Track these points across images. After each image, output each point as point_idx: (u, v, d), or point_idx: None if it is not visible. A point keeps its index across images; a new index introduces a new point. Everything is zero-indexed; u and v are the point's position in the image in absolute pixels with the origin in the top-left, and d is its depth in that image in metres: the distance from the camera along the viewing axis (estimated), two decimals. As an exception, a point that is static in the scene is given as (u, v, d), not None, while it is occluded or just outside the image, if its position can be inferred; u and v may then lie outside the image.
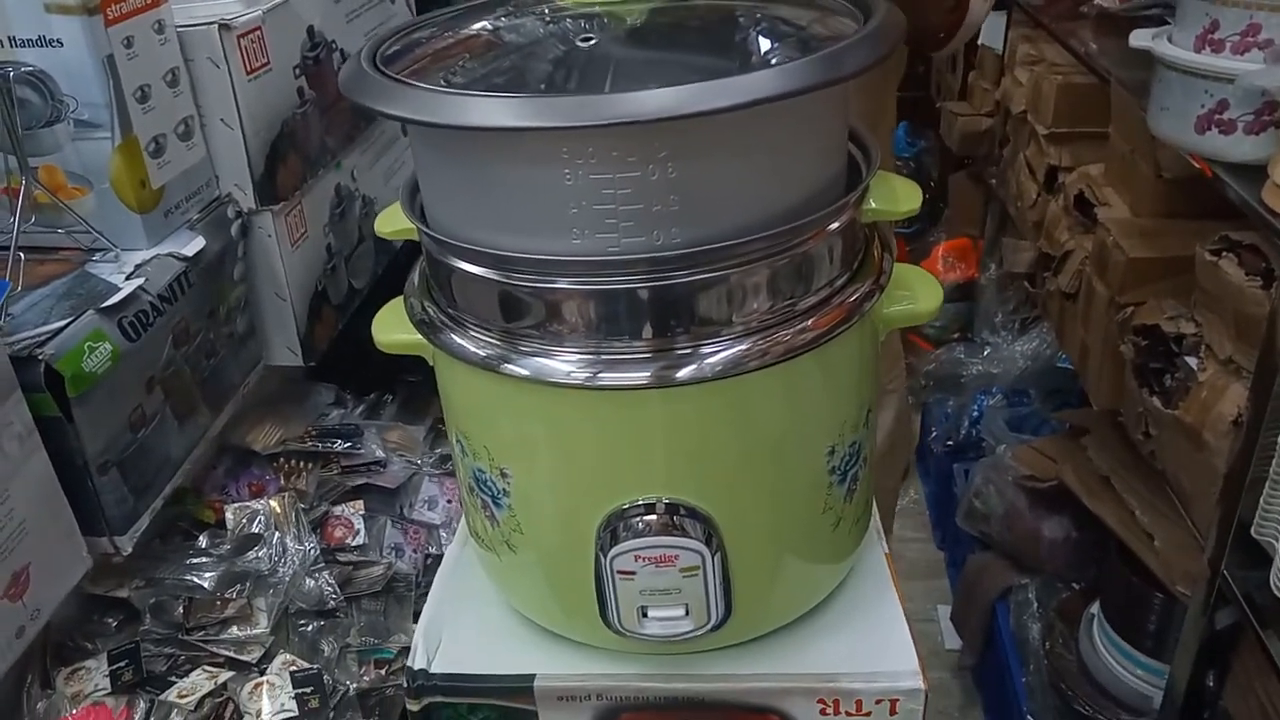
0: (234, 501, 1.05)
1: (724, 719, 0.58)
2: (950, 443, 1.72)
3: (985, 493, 1.43)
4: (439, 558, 1.15)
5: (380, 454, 1.20)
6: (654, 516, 0.53)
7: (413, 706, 0.59)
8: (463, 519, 0.70)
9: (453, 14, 0.59)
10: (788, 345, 0.51)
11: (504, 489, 0.56)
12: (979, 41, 1.86)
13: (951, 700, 1.49)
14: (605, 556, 0.54)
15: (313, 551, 1.01)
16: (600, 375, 0.51)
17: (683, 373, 0.50)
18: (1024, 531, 1.37)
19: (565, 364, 0.51)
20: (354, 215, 1.24)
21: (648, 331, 0.50)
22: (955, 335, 1.97)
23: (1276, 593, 0.81)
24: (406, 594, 1.07)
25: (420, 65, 0.52)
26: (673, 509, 0.53)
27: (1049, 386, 1.63)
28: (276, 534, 1.01)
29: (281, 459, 1.15)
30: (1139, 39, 0.99)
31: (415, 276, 0.59)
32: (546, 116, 0.42)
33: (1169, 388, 0.99)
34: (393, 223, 0.59)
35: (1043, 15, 1.54)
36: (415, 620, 1.05)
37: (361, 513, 1.11)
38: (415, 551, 1.14)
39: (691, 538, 0.53)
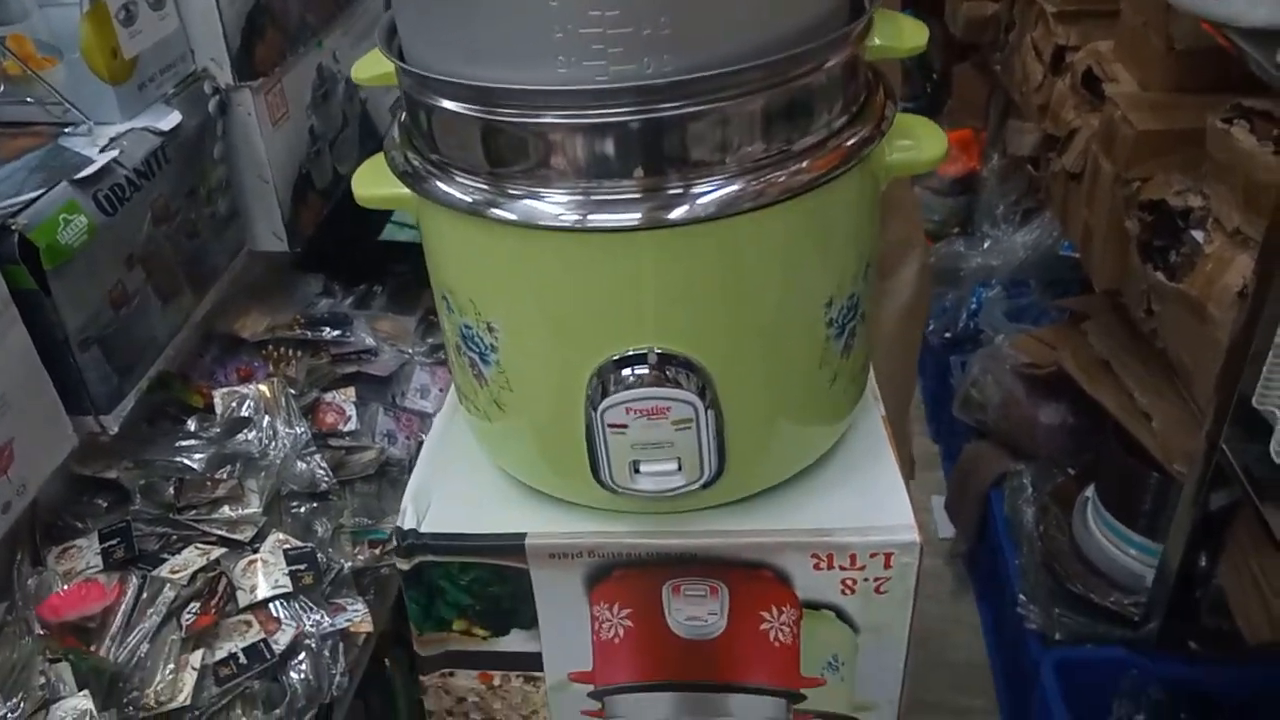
0: (223, 387, 1.03)
1: (716, 574, 0.57)
2: (948, 335, 1.70)
3: (982, 381, 1.42)
4: (433, 444, 1.15)
5: (371, 342, 1.18)
6: (645, 368, 0.51)
7: (402, 565, 0.59)
8: (451, 386, 0.68)
9: None
10: (783, 186, 0.49)
11: (491, 344, 0.54)
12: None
13: (943, 586, 1.51)
14: (596, 410, 0.52)
15: (304, 435, 1.00)
16: (590, 216, 0.48)
17: (675, 213, 0.48)
18: (1020, 419, 1.37)
19: (554, 205, 0.49)
20: (337, 98, 1.20)
21: (638, 170, 0.48)
22: (955, 230, 1.94)
23: (1277, 460, 0.80)
24: (400, 478, 1.06)
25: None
26: (665, 359, 0.51)
27: (1049, 277, 1.61)
28: (266, 418, 1.00)
29: (270, 346, 1.14)
30: (1154, -105, 0.94)
31: (395, 130, 0.57)
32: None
33: (1173, 263, 0.97)
34: (371, 68, 0.57)
35: (1051, -113, 1.48)
36: (410, 503, 1.05)
37: (353, 399, 1.10)
38: (408, 438, 1.13)
39: (684, 389, 0.51)
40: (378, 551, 0.97)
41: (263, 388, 1.03)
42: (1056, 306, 1.50)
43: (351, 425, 1.08)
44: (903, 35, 0.53)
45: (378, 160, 0.58)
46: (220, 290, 1.03)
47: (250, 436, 0.97)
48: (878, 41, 0.53)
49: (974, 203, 1.91)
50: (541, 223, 0.49)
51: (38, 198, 0.77)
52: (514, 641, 0.61)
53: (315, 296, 1.24)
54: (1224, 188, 0.93)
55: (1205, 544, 1.04)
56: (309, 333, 1.16)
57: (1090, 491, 1.25)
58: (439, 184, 0.52)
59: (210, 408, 1.02)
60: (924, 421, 1.82)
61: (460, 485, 0.62)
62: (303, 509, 0.96)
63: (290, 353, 1.14)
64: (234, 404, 1.01)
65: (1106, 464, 1.23)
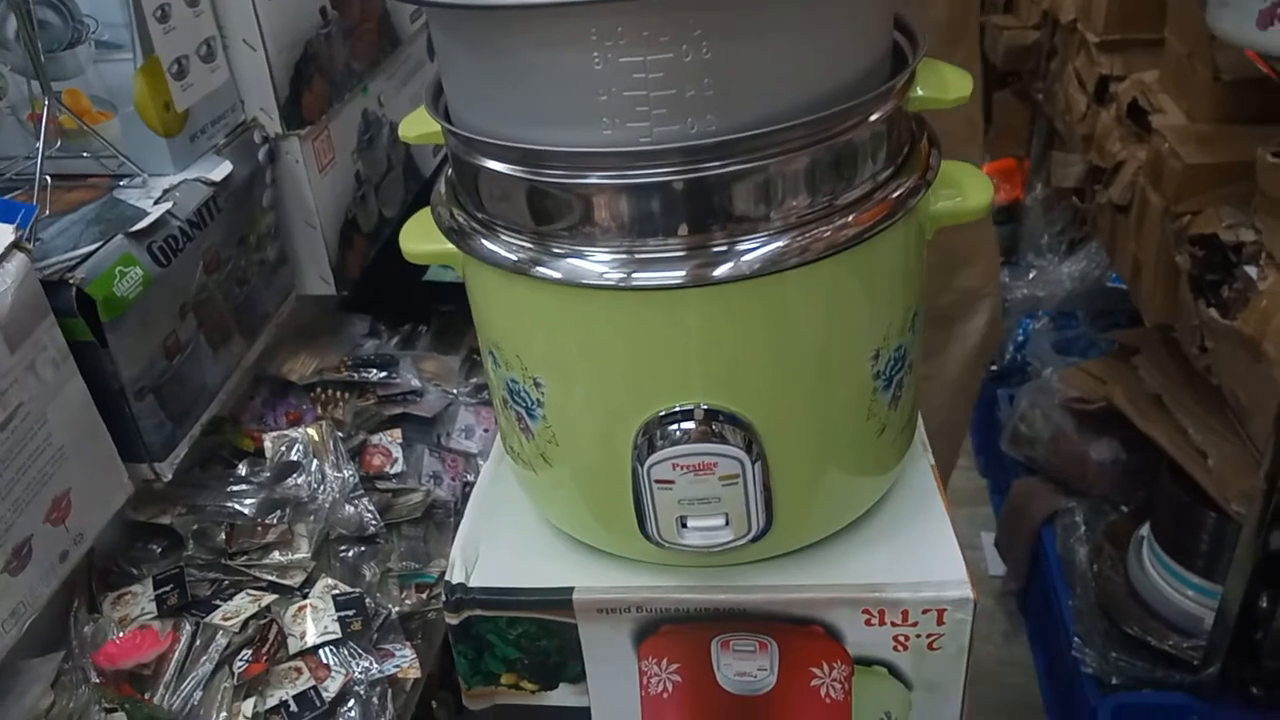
0: (272, 430, 1.05)
1: (766, 629, 0.57)
2: (994, 367, 1.68)
3: (1031, 416, 1.40)
4: (478, 485, 1.15)
5: (416, 383, 1.19)
6: (692, 423, 0.51)
7: (451, 620, 0.59)
8: (497, 437, 0.69)
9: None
10: (828, 242, 0.49)
11: (538, 400, 0.55)
12: (1025, -50, 1.78)
13: (995, 626, 1.48)
14: (642, 466, 0.52)
15: (352, 479, 1.01)
16: (634, 275, 0.49)
17: (719, 270, 0.48)
18: (1071, 454, 1.35)
19: (598, 264, 0.49)
20: (382, 142, 1.22)
21: (682, 228, 0.48)
22: (999, 260, 1.92)
23: (1340, 505, 0.78)
24: (446, 520, 1.07)
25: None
26: (711, 415, 0.51)
27: (1097, 308, 1.58)
28: (315, 461, 1.01)
29: (318, 389, 1.15)
30: (1200, -70, 0.93)
31: (441, 185, 0.58)
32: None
33: (1226, 299, 0.95)
34: (417, 126, 0.57)
35: (1092, -83, 1.47)
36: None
37: (399, 441, 1.11)
38: (454, 479, 1.14)
39: (731, 444, 0.51)
40: (424, 596, 0.97)
41: (311, 431, 1.04)
42: (1106, 339, 1.47)
43: (398, 467, 1.08)
44: (947, 86, 0.53)
45: (424, 216, 0.58)
46: (269, 335, 1.04)
47: (300, 481, 0.98)
48: (920, 93, 0.53)
49: (1018, 231, 1.89)
50: (585, 281, 0.49)
51: (94, 251, 0.79)
52: (562, 696, 0.61)
53: (361, 338, 1.25)
54: (1276, 222, 0.91)
55: (1266, 585, 1.01)
56: (355, 375, 1.17)
57: (1145, 531, 1.22)
58: (484, 242, 0.52)
59: (260, 451, 1.03)
60: (971, 455, 1.80)
61: (507, 537, 0.62)
62: (351, 553, 0.97)
63: (338, 394, 1.15)
64: (283, 448, 1.02)
65: (1161, 503, 1.20)
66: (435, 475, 1.13)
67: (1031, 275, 1.71)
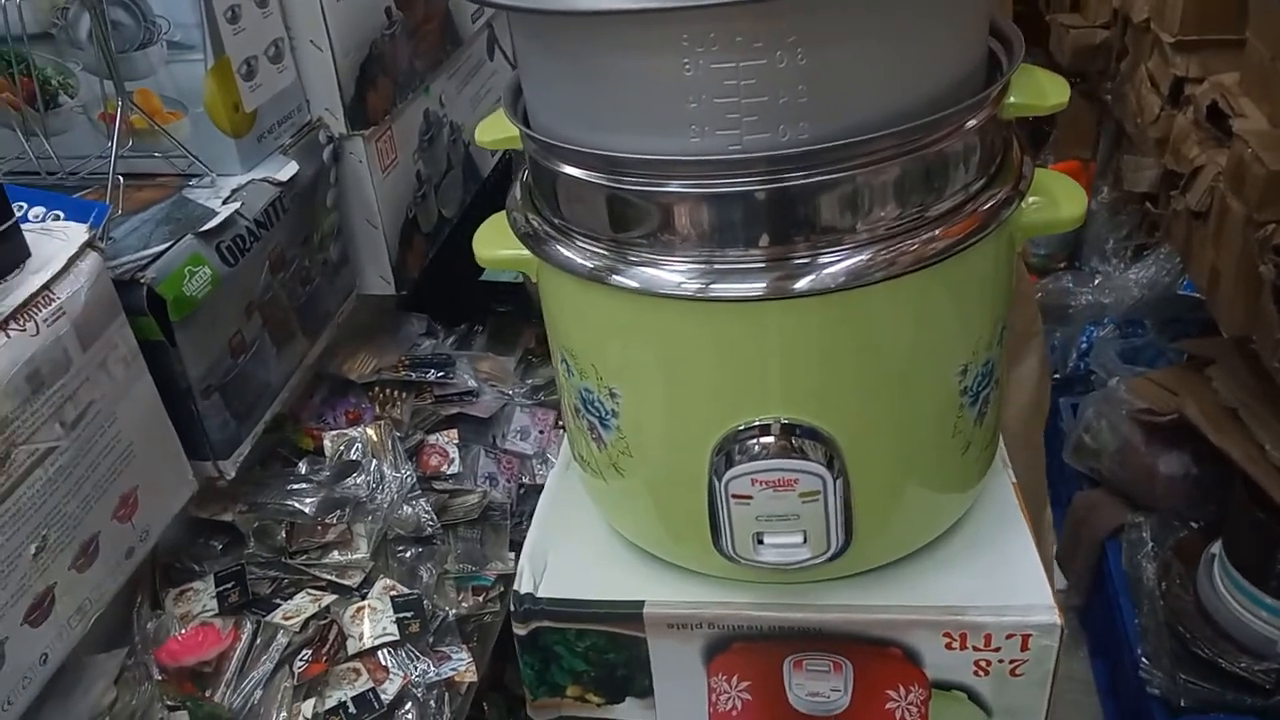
0: (332, 429, 1.05)
1: (841, 650, 0.55)
2: (1057, 375, 1.64)
3: (1097, 427, 1.36)
4: (532, 487, 1.15)
5: (472, 384, 1.19)
6: (771, 438, 0.50)
7: (519, 630, 0.58)
8: (564, 443, 0.68)
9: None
10: (916, 255, 0.47)
11: (612, 410, 0.53)
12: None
13: (1055, 640, 1.44)
14: (719, 480, 0.51)
15: (409, 479, 1.01)
16: (713, 286, 0.47)
17: (801, 283, 0.47)
18: (1139, 467, 1.31)
19: (676, 274, 0.48)
20: (442, 142, 1.22)
21: (764, 239, 0.46)
22: (1061, 264, 1.88)
23: None
24: (502, 523, 1.06)
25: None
26: (791, 430, 0.50)
27: (1166, 316, 1.54)
28: (374, 461, 1.01)
29: (376, 388, 1.15)
30: (1293, -73, 0.90)
31: (516, 189, 0.57)
32: (666, -5, 0.39)
33: (1313, 312, 0.92)
34: (494, 131, 0.56)
35: (1169, -86, 1.43)
36: (511, 549, 1.05)
37: (456, 441, 1.11)
38: (509, 481, 1.14)
39: (812, 460, 0.50)
40: (480, 599, 0.97)
41: (370, 431, 1.04)
42: (1177, 349, 1.43)
43: (455, 468, 1.08)
44: (1044, 93, 0.51)
45: (498, 220, 0.58)
46: (330, 334, 1.05)
47: (359, 480, 0.98)
48: (1014, 100, 0.51)
49: (1082, 236, 1.84)
50: (662, 291, 0.48)
51: (165, 250, 0.79)
52: (628, 710, 0.60)
53: (419, 337, 1.25)
54: (1370, 233, 0.87)
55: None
56: (413, 374, 1.17)
57: (1217, 548, 1.18)
58: (560, 248, 0.51)
59: (320, 450, 1.03)
60: (1030, 464, 1.76)
61: (576, 547, 0.61)
62: (408, 553, 0.97)
63: (396, 394, 1.15)
64: (343, 447, 1.02)
65: (1235, 519, 1.16)
66: (491, 476, 1.13)
67: (1097, 281, 1.67)
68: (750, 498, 0.51)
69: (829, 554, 0.52)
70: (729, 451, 0.50)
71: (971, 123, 0.47)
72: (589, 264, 0.50)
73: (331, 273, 1.03)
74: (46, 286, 0.69)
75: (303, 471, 0.99)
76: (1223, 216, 1.09)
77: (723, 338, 0.49)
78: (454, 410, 1.16)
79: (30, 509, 0.67)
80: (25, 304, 0.67)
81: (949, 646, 0.54)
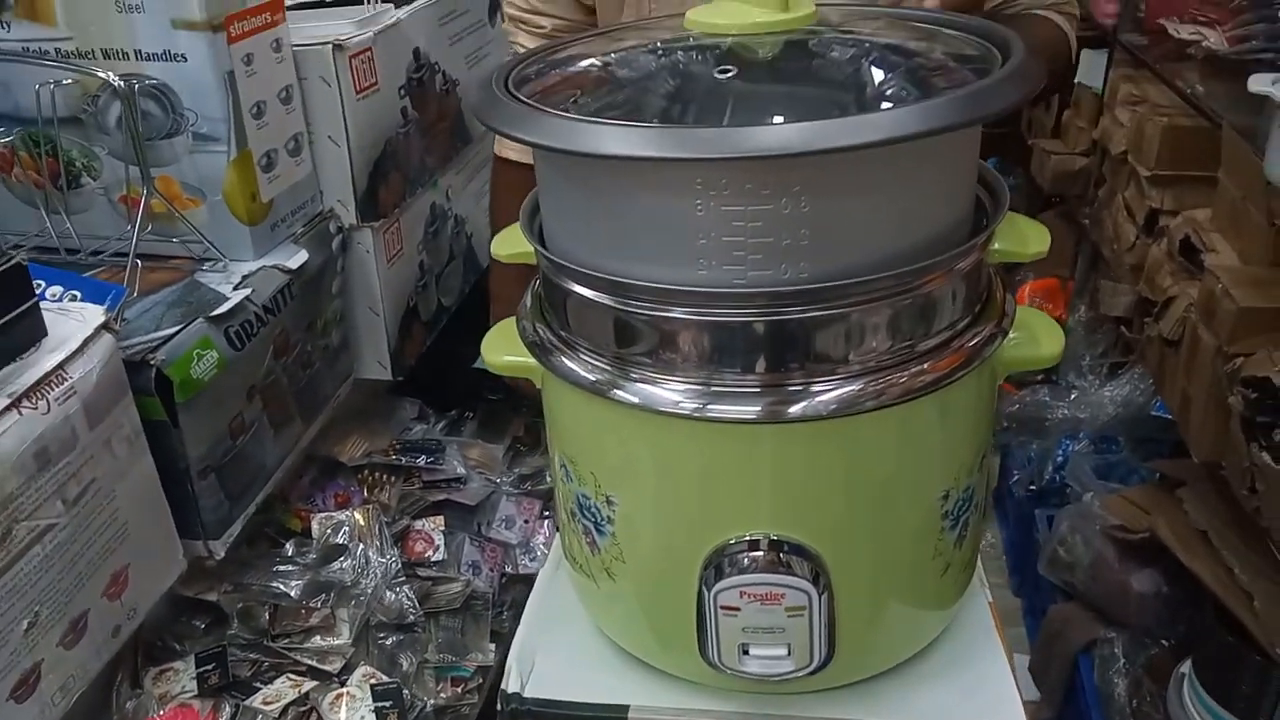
0: (320, 511, 1.06)
1: (820, 764, 0.57)
2: (1033, 487, 1.67)
3: (1071, 541, 1.39)
4: (515, 577, 1.16)
5: (461, 470, 1.21)
6: (760, 553, 0.52)
7: (505, 730, 0.59)
8: (556, 542, 0.70)
9: (576, 42, 0.59)
10: (905, 387, 0.50)
11: (608, 516, 0.56)
12: (1076, 80, 1.82)
13: (1026, 753, 1.44)
14: (709, 591, 0.53)
15: (394, 565, 1.02)
16: (709, 407, 0.50)
17: (794, 409, 0.49)
18: (1112, 583, 1.33)
19: (674, 393, 0.50)
20: (446, 234, 1.26)
21: (761, 365, 0.49)
22: (1039, 377, 1.92)
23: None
24: (484, 612, 1.07)
25: (549, 91, 0.52)
26: (779, 546, 0.52)
27: (1140, 435, 1.58)
28: (360, 545, 1.02)
29: (366, 471, 1.17)
30: (1259, 84, 0.96)
31: (528, 299, 0.59)
32: (687, 147, 0.42)
33: (1279, 443, 0.95)
34: (510, 245, 0.60)
35: (1146, 55, 1.51)
36: (492, 639, 1.05)
37: (442, 528, 1.12)
38: (492, 570, 1.15)
39: (799, 576, 0.52)
40: (459, 690, 0.97)
41: (358, 515, 1.05)
42: (1150, 468, 1.46)
43: (439, 555, 1.09)
44: (1026, 241, 0.54)
45: (507, 326, 0.60)
46: (326, 416, 1.07)
47: (345, 564, 0.99)
48: (999, 247, 0.54)
49: (1059, 351, 1.89)
50: (661, 408, 0.51)
51: (176, 333, 0.81)
52: (608, 812, 0.61)
53: (410, 421, 1.27)
54: (1332, 371, 0.92)
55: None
56: (403, 459, 1.19)
57: (1187, 667, 1.20)
58: (565, 360, 0.54)
59: (307, 531, 1.04)
60: (1006, 575, 1.77)
61: (563, 647, 0.62)
62: (389, 640, 0.97)
63: (384, 478, 1.17)
64: (330, 530, 1.03)
65: (1204, 641, 1.18)
66: (474, 565, 1.14)
67: (1073, 396, 1.71)
68: (738, 609, 0.53)
69: (812, 667, 0.54)
70: (719, 564, 0.52)
71: (959, 267, 0.50)
72: (592, 377, 0.53)
73: (332, 357, 1.06)
74: (60, 366, 0.71)
75: (289, 553, 1.00)
76: (1194, 346, 1.13)
77: (717, 456, 0.52)
78: (441, 496, 1.18)
79: (26, 585, 0.68)
80: (39, 383, 0.69)
81: (924, 764, 0.55)
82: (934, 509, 0.54)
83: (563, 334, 0.55)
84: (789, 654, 0.54)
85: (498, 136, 0.98)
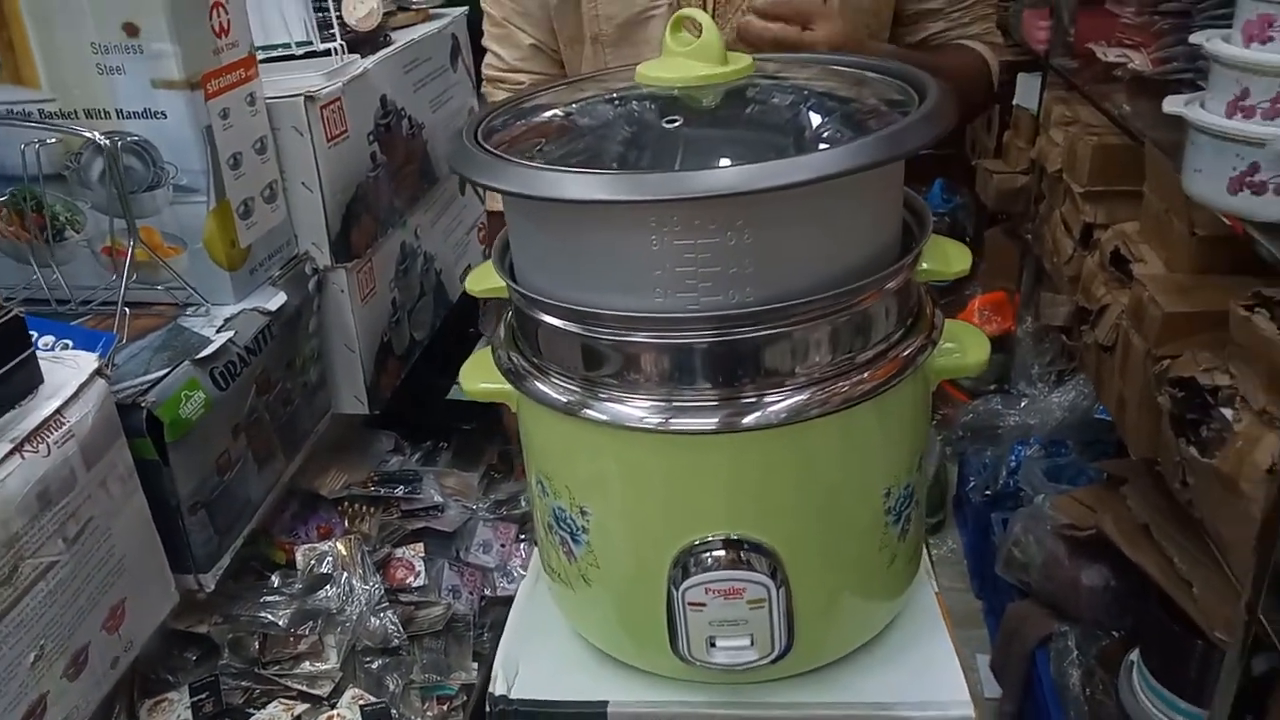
0: (303, 543, 1.10)
1: (786, 746, 0.62)
2: (988, 492, 1.74)
3: (1024, 542, 1.45)
4: (494, 599, 1.20)
5: (438, 499, 1.25)
6: (723, 552, 0.57)
7: (494, 730, 0.63)
8: (534, 557, 0.75)
9: (539, 94, 0.65)
10: (846, 395, 0.56)
11: (583, 526, 0.61)
12: (1014, 102, 1.92)
13: (993, 749, 1.50)
14: (677, 590, 0.58)
15: (377, 591, 1.06)
16: (671, 421, 0.55)
17: (748, 419, 0.55)
18: (1064, 580, 1.39)
19: (639, 410, 0.56)
20: (416, 271, 1.31)
21: (716, 381, 0.55)
22: (991, 387, 2.00)
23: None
24: (465, 634, 1.11)
25: (516, 141, 0.58)
26: (739, 545, 0.57)
27: (1086, 437, 1.65)
28: (344, 574, 1.06)
29: (346, 503, 1.20)
30: (1172, 105, 1.03)
31: (501, 330, 0.65)
32: (641, 190, 0.48)
33: (1205, 438, 1.02)
34: (483, 281, 0.65)
35: (1077, 79, 1.60)
36: (474, 659, 1.09)
37: (422, 555, 1.16)
38: (471, 593, 1.18)
39: (758, 571, 0.57)
40: (445, 708, 1.01)
41: (340, 545, 1.09)
42: (1095, 468, 1.54)
43: (420, 580, 1.13)
44: (949, 260, 0.61)
45: (484, 357, 0.65)
46: (306, 451, 1.11)
47: (330, 593, 1.02)
48: (925, 266, 0.60)
49: (1010, 362, 1.97)
50: (628, 424, 0.56)
51: (163, 376, 0.85)
52: (592, 804, 0.65)
53: (386, 453, 1.31)
54: (1249, 369, 0.99)
55: (1249, 710, 1.05)
56: (381, 490, 1.23)
57: (1135, 655, 1.26)
58: (539, 384, 0.59)
59: (291, 563, 1.08)
60: (967, 579, 1.84)
61: (545, 652, 0.67)
62: (375, 664, 1.01)
63: (364, 509, 1.21)
64: (314, 561, 1.07)
65: (1150, 630, 1.25)
66: (454, 589, 1.18)
67: (1023, 404, 1.79)
68: (704, 605, 0.58)
69: (774, 655, 0.59)
70: (685, 564, 0.58)
71: (891, 285, 0.56)
72: (564, 399, 0.58)
73: (310, 394, 1.10)
74: (58, 411, 0.75)
75: (275, 584, 1.03)
76: (1126, 351, 1.21)
77: (679, 465, 0.57)
78: (420, 524, 1.22)
79: (33, 619, 0.72)
80: (39, 428, 0.73)
81: (880, 740, 0.61)
82: (878, 505, 0.60)
83: (535, 360, 0.60)
84: (752, 644, 0.59)
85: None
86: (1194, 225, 1.17)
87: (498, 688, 0.64)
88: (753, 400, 0.55)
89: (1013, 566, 1.48)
